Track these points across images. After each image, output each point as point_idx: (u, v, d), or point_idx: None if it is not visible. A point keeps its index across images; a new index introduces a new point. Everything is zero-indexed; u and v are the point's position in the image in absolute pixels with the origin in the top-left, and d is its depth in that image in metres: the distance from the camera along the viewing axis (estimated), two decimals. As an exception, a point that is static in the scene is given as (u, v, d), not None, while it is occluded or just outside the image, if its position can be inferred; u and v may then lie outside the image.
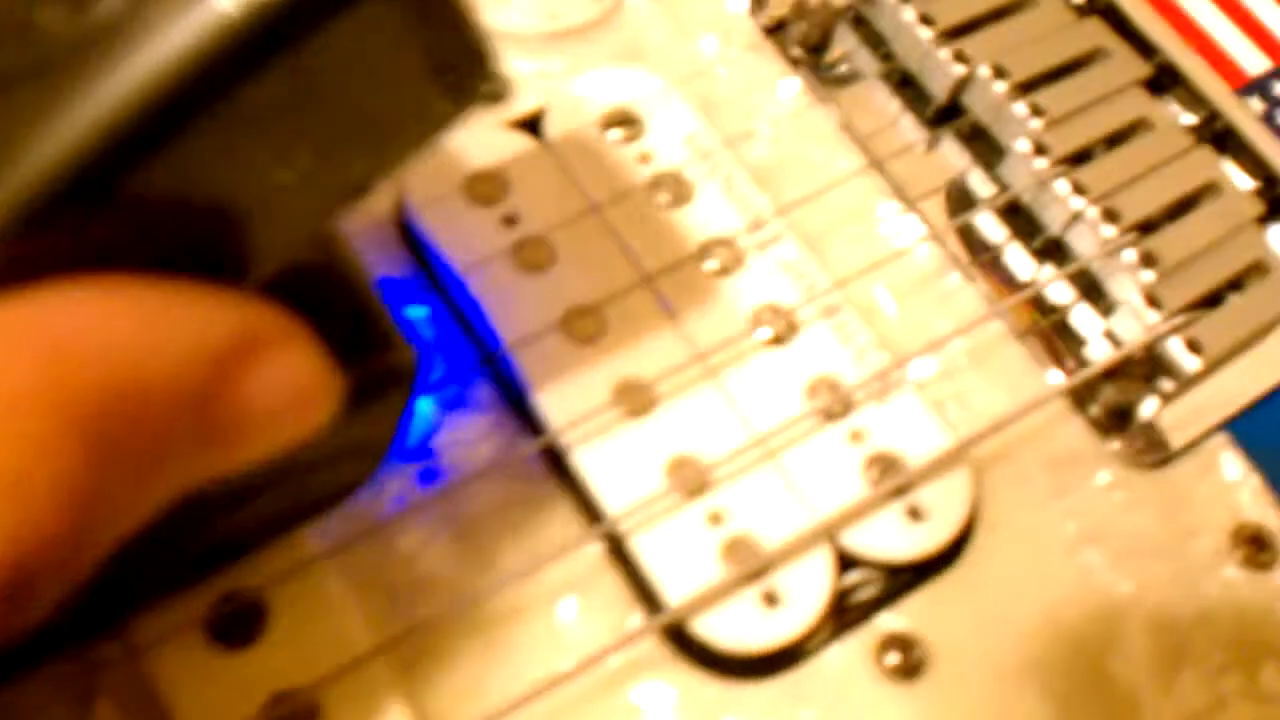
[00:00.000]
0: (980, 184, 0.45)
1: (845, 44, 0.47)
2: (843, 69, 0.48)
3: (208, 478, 0.23)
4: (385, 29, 0.24)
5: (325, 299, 0.29)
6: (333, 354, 0.26)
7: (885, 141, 0.46)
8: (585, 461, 0.38)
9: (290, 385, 0.24)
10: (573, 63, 0.46)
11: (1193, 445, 0.42)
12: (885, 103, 0.47)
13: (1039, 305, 0.43)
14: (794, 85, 0.46)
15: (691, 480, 0.38)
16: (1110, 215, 0.42)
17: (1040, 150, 0.43)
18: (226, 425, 0.23)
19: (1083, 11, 0.47)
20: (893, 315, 0.42)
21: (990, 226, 0.45)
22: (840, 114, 0.46)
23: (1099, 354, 0.42)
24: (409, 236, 0.41)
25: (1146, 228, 0.43)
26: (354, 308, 0.32)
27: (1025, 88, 0.44)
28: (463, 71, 0.27)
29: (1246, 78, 0.50)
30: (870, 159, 0.45)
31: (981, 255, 0.44)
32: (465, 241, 0.40)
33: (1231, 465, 0.41)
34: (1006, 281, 0.44)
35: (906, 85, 0.46)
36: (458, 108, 0.27)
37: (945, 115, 0.46)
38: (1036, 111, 0.44)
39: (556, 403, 0.39)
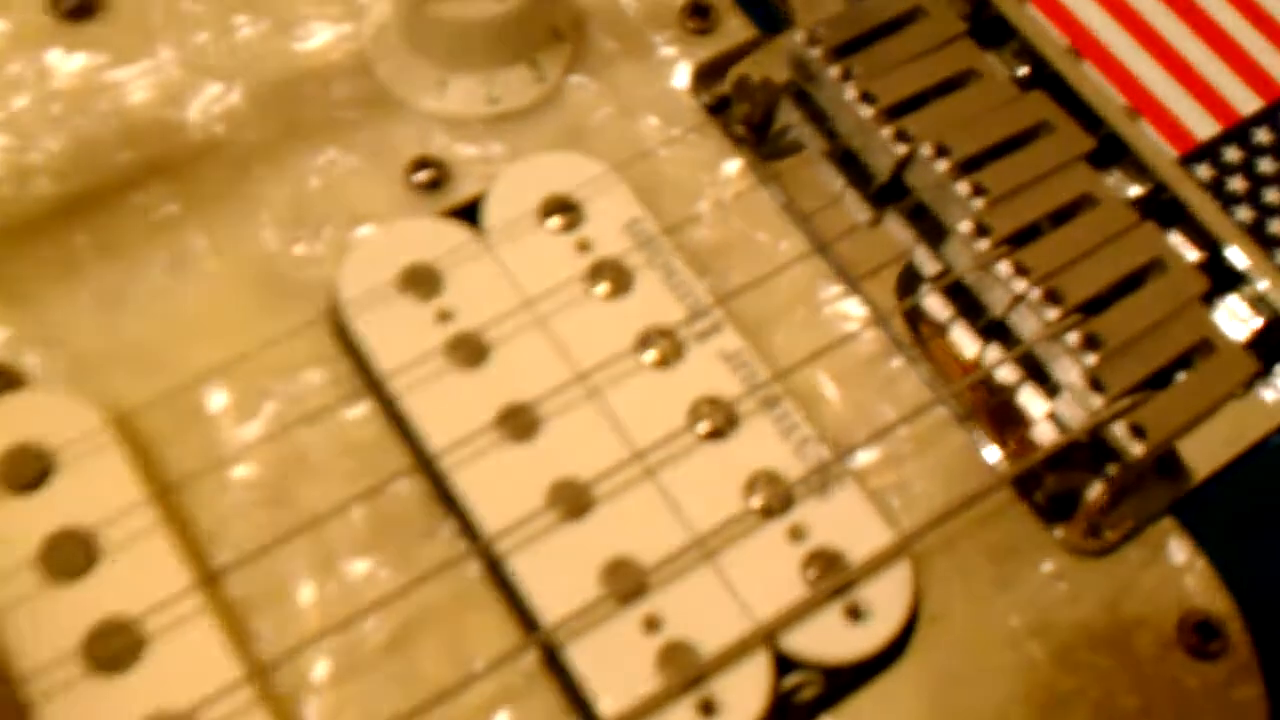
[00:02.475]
0: (926, 261, 0.45)
1: (789, 120, 0.46)
2: (787, 146, 0.47)
3: None
4: None
5: None
6: None
7: (829, 220, 0.45)
8: (521, 568, 0.38)
9: None
10: (513, 147, 0.45)
11: (1138, 531, 0.41)
12: (830, 180, 0.46)
13: (985, 386, 0.43)
14: (737, 165, 0.46)
15: (628, 584, 0.37)
16: (1052, 297, 0.42)
17: (982, 231, 0.42)
18: None
19: (1026, 84, 0.47)
20: (835, 402, 0.42)
21: (936, 305, 0.44)
22: (784, 193, 0.45)
23: (1044, 437, 0.42)
24: (343, 334, 0.41)
25: (1090, 308, 0.42)
26: None
27: (967, 166, 0.44)
28: None
29: (1195, 141, 0.50)
30: (814, 241, 0.44)
31: (927, 334, 0.43)
32: (398, 339, 0.40)
33: (1178, 551, 0.41)
34: (953, 360, 0.43)
35: (850, 162, 0.46)
36: None
37: (889, 192, 0.45)
38: (978, 191, 0.43)
39: (491, 506, 0.38)
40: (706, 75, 0.47)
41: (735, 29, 0.48)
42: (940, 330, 0.44)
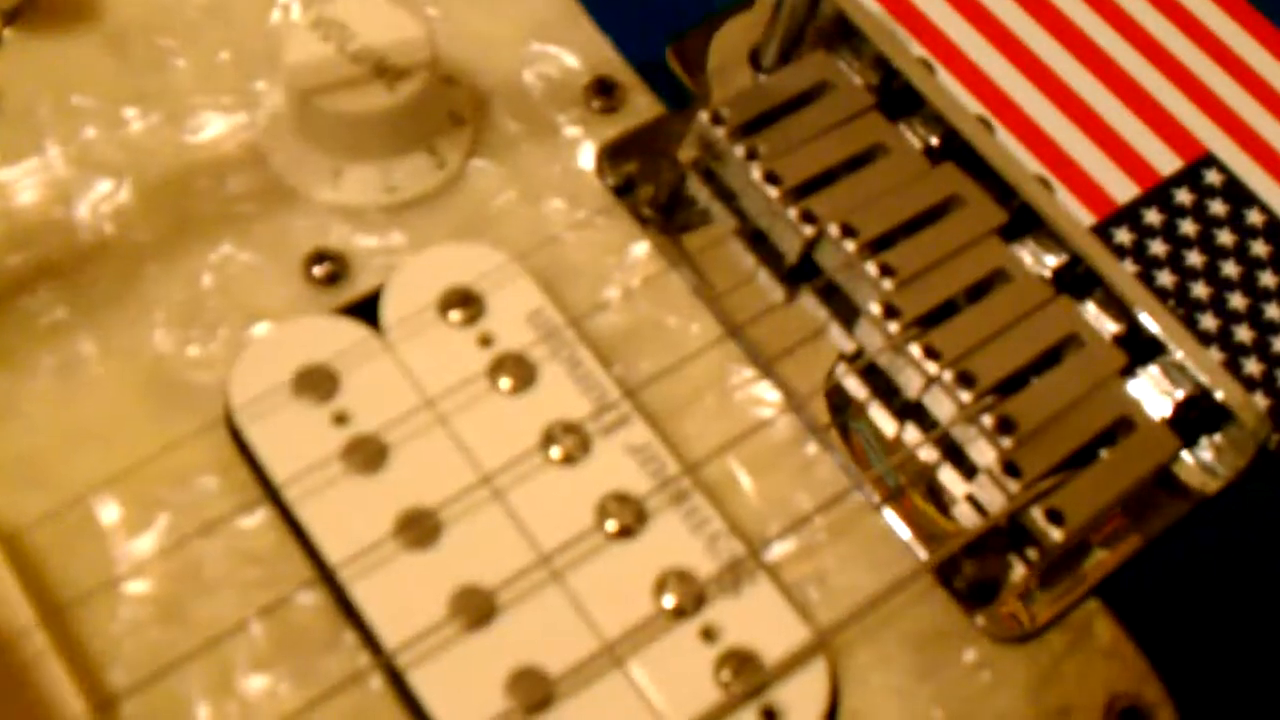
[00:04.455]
0: (842, 341, 0.44)
1: (699, 200, 0.46)
2: (696, 223, 0.46)
3: None
4: None
5: None
6: None
7: (741, 301, 0.44)
8: (423, 682, 0.36)
9: None
10: (415, 236, 0.44)
11: (1062, 615, 0.40)
12: (741, 258, 0.45)
13: (903, 470, 0.42)
14: (645, 247, 0.45)
15: (535, 694, 0.36)
16: (965, 380, 0.41)
17: (891, 313, 0.42)
18: None
19: (938, 153, 0.46)
20: (749, 492, 0.41)
21: (853, 386, 0.43)
22: (694, 275, 0.44)
23: (965, 519, 0.41)
24: (237, 439, 0.39)
25: (1006, 387, 0.41)
26: None
27: (875, 246, 0.43)
28: None
29: (1115, 205, 0.49)
30: (725, 324, 0.43)
31: (842, 417, 0.42)
32: (293, 445, 0.39)
33: (1103, 633, 0.40)
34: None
35: (762, 240, 0.45)
36: None
37: (801, 272, 0.44)
38: (887, 271, 0.42)
39: (392, 618, 0.37)
40: (612, 155, 0.46)
41: (642, 107, 0.47)
42: (856, 412, 0.42)
